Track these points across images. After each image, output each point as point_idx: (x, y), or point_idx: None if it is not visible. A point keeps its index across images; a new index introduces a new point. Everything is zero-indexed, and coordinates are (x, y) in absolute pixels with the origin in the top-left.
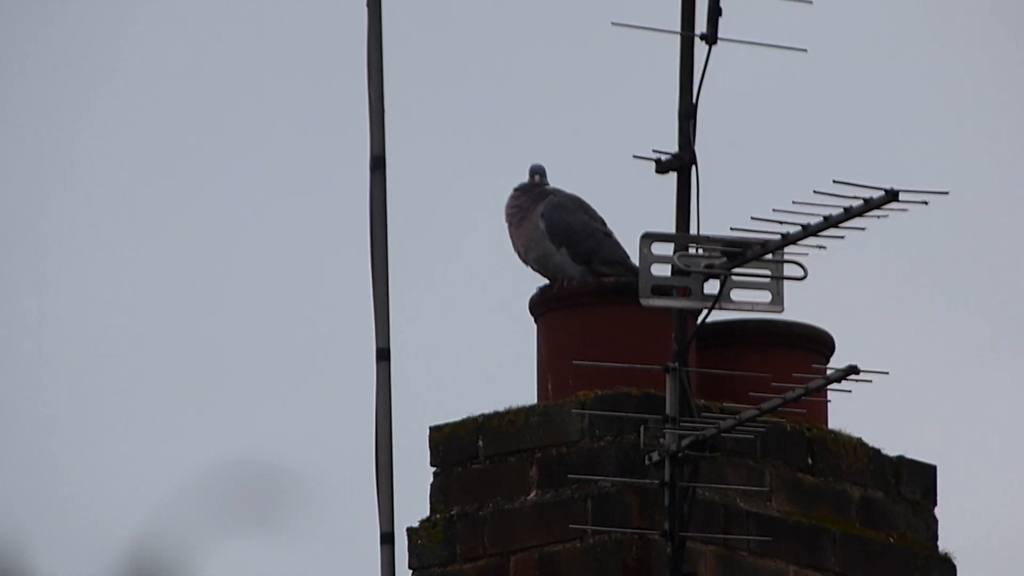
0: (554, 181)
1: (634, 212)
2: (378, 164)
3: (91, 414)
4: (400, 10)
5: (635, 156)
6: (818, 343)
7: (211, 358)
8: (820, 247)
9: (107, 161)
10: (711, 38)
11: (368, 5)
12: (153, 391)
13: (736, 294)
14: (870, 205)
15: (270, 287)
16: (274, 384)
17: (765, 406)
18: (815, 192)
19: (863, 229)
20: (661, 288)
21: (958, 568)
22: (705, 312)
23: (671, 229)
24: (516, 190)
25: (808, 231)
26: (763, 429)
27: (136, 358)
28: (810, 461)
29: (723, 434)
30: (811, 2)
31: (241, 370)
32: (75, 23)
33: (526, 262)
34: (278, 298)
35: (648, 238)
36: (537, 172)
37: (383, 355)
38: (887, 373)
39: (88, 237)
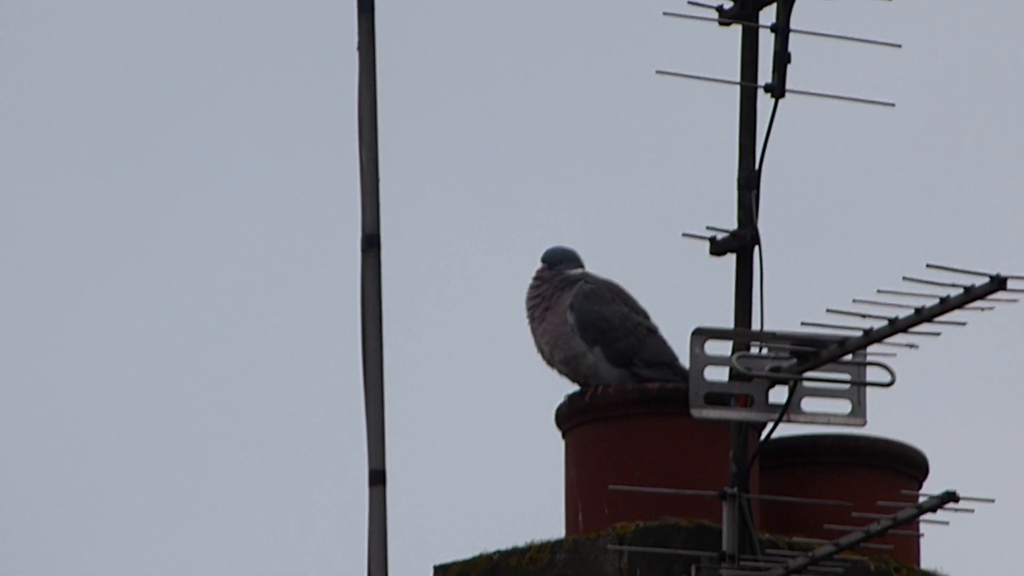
0: (585, 265)
1: (684, 302)
2: (371, 243)
3: (60, 531)
4: (399, 49)
5: (685, 234)
6: (908, 463)
7: (186, 474)
8: (911, 346)
9: (83, 235)
10: (778, 90)
11: (359, 48)
12: (125, 510)
13: (808, 403)
14: (972, 295)
15: (236, 397)
16: (246, 509)
17: (844, 541)
18: (905, 279)
19: (964, 324)
20: (717, 396)
21: None
22: (771, 426)
23: (729, 324)
24: (536, 278)
25: (896, 327)
26: (842, 570)
27: (102, 466)
28: None
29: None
30: (900, 46)
31: (205, 490)
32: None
33: (551, 364)
34: (246, 410)
35: (701, 335)
36: (547, 260)
37: (377, 478)
38: (993, 501)
39: (50, 336)
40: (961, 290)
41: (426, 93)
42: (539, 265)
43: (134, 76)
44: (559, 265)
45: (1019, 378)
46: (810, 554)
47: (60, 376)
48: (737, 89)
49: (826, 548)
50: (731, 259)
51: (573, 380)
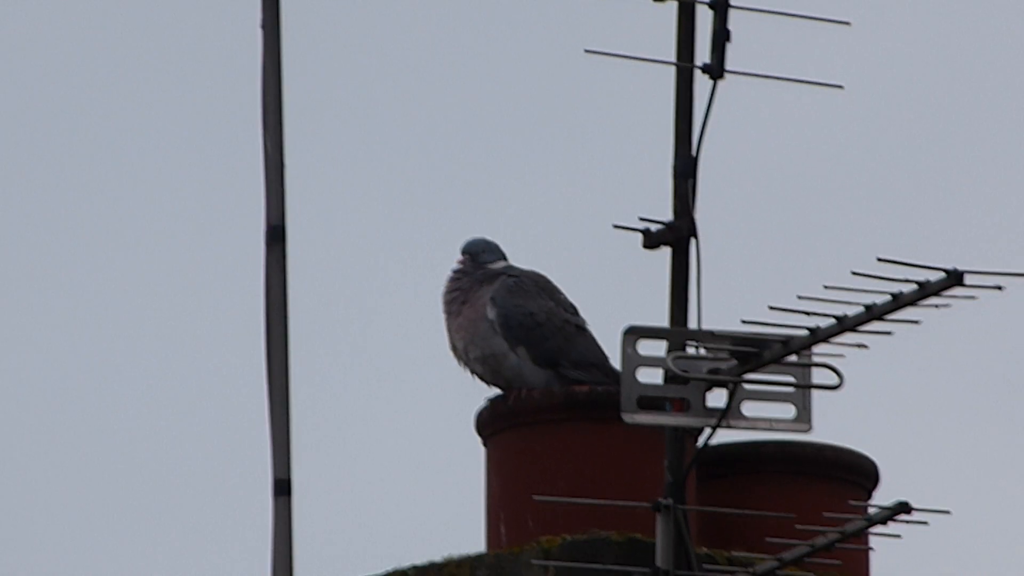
0: (510, 257)
1: (615, 299)
2: (276, 235)
3: None
4: (307, 28)
5: (616, 226)
6: (857, 472)
7: (83, 486)
8: (861, 346)
9: None
10: (717, 71)
11: (263, 27)
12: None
13: (749, 408)
14: (926, 291)
15: (131, 401)
16: (142, 520)
17: (788, 556)
18: (853, 274)
19: (918, 322)
20: (650, 400)
21: None
22: (709, 432)
23: (663, 322)
24: (454, 271)
25: (844, 325)
26: None
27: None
28: None
29: None
30: (849, 23)
31: (116, 497)
32: None
33: (465, 362)
34: (141, 415)
35: (633, 333)
36: (469, 251)
37: (282, 488)
38: (948, 512)
39: None
40: (915, 286)
41: (336, 75)
42: (458, 257)
43: (23, 60)
44: (481, 255)
45: (976, 381)
46: (751, 570)
47: None
48: (672, 70)
49: (768, 563)
50: (666, 252)
51: (491, 382)
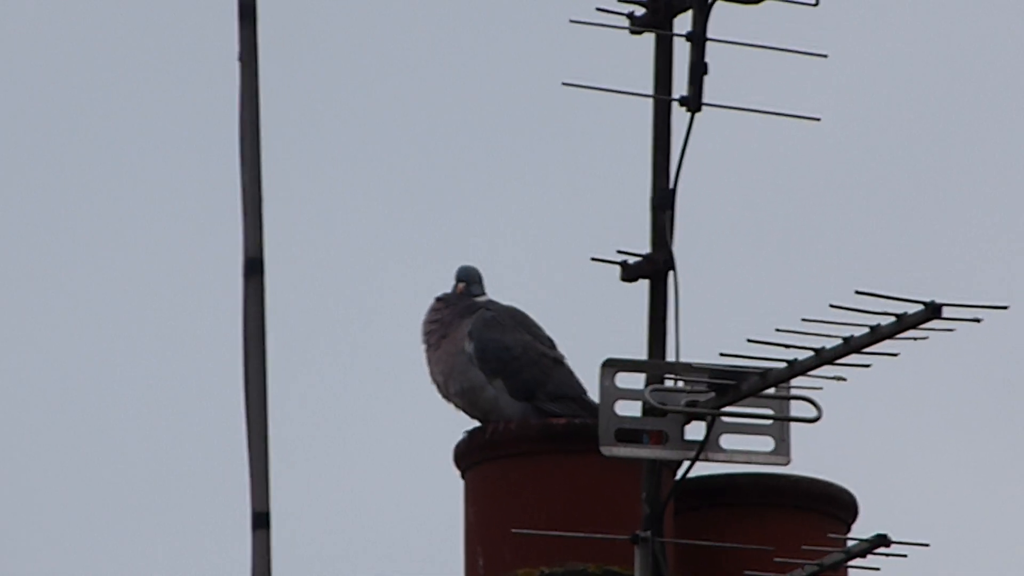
0: (489, 291)
1: (593, 331)
2: (254, 267)
3: None
4: (284, 61)
5: (594, 258)
6: (836, 505)
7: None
8: (839, 379)
9: None
10: (694, 103)
11: (240, 59)
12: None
13: (727, 440)
14: (904, 323)
15: (108, 433)
16: (118, 554)
17: None
18: (832, 307)
19: (896, 355)
20: (628, 432)
21: None
22: (687, 464)
23: (641, 354)
24: (438, 300)
25: (823, 358)
26: None
27: None
28: None
29: None
30: (826, 56)
31: (93, 530)
32: None
33: (446, 396)
34: (119, 447)
35: (611, 366)
36: (465, 279)
37: (261, 521)
38: (927, 545)
39: None
40: (893, 318)
41: (313, 108)
42: (441, 287)
43: (3, 90)
44: (473, 286)
45: (955, 413)
46: None
47: None
48: (650, 102)
49: None
50: (644, 285)
51: (471, 414)
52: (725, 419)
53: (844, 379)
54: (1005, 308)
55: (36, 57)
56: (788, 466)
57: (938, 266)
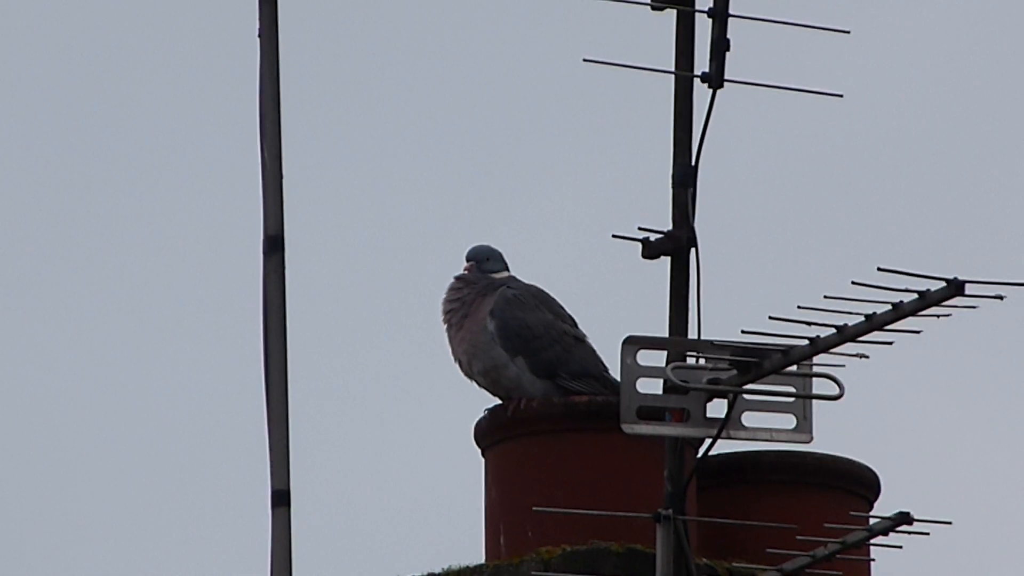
0: (511, 267)
1: (615, 309)
2: (274, 245)
3: None
4: (304, 38)
5: (615, 236)
6: (858, 482)
7: (79, 497)
8: (861, 356)
9: None
10: (716, 80)
11: (260, 36)
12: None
13: (749, 418)
14: (927, 300)
15: (129, 412)
16: (138, 531)
17: (788, 566)
18: (854, 284)
19: (918, 332)
20: (650, 410)
21: None
22: (709, 442)
23: (663, 332)
24: (457, 279)
25: (845, 335)
26: None
27: None
28: None
29: None
30: (849, 32)
31: (113, 508)
32: None
33: (470, 375)
34: (139, 426)
35: (633, 344)
36: (473, 258)
37: (281, 499)
38: (949, 523)
39: None
40: (915, 295)
41: (333, 85)
42: (461, 265)
43: (22, 66)
44: (486, 263)
45: (977, 390)
46: None
47: None
48: (671, 79)
49: (769, 574)
50: (665, 262)
51: (494, 393)
52: (747, 396)
53: (867, 356)
54: None
55: (58, 33)
56: (810, 444)
57: (961, 243)
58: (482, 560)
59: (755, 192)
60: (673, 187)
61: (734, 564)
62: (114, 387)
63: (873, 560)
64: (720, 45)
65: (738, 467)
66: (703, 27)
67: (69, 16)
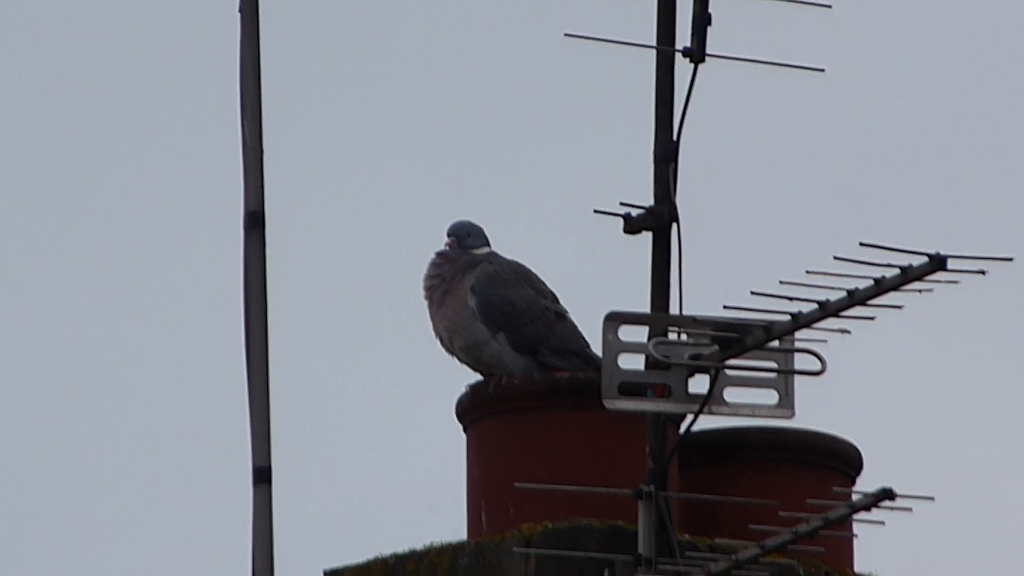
0: (492, 243)
1: (596, 285)
2: (255, 221)
3: None
4: (285, 11)
5: (596, 211)
6: (840, 459)
7: (64, 484)
8: (843, 331)
9: None
10: (697, 54)
11: (240, 11)
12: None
13: (731, 394)
14: (909, 276)
15: (108, 389)
16: (119, 509)
17: (771, 543)
18: (836, 259)
19: (900, 307)
20: (632, 386)
21: None
22: (691, 418)
23: (645, 308)
24: (438, 255)
25: (827, 310)
26: (768, 573)
27: None
28: None
29: None
30: (830, 6)
31: (94, 485)
32: None
33: (451, 351)
34: (119, 402)
35: (614, 319)
36: (455, 234)
37: (262, 475)
38: (932, 499)
39: None
40: (897, 271)
41: (314, 61)
42: (442, 240)
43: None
44: (467, 239)
45: (960, 366)
46: (734, 557)
47: None
48: (653, 54)
49: (751, 550)
50: (647, 238)
51: (475, 369)
52: (729, 372)
53: (848, 332)
54: (1010, 260)
55: (35, 8)
56: (792, 420)
57: (942, 218)
58: (464, 537)
59: (737, 168)
60: (655, 162)
61: (716, 540)
62: (93, 365)
63: (855, 536)
64: (702, 20)
65: (720, 443)
66: (685, 2)
67: None
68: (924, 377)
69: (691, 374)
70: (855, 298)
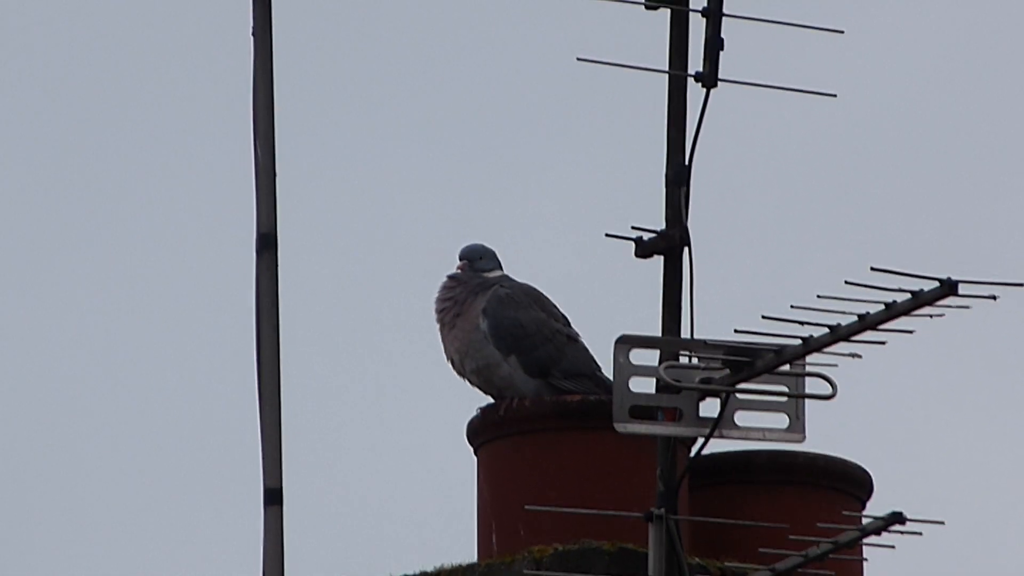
0: (505, 266)
1: (607, 308)
2: (267, 243)
3: None
4: (298, 35)
5: (608, 235)
6: (851, 482)
7: (72, 497)
8: (854, 356)
9: None
10: (710, 79)
11: (253, 34)
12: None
13: (742, 417)
14: (920, 300)
15: (121, 410)
16: (129, 529)
17: (781, 566)
18: (847, 284)
19: (911, 332)
20: (643, 409)
21: None
22: (701, 441)
23: (656, 331)
24: (450, 278)
25: (838, 335)
26: None
27: None
28: None
29: None
30: (842, 32)
31: (106, 506)
32: None
33: (462, 373)
34: (131, 423)
35: (625, 343)
36: (467, 257)
37: (273, 497)
38: (942, 523)
39: None
40: (908, 295)
41: (327, 83)
42: (454, 264)
43: (19, 64)
44: (478, 262)
45: (970, 390)
46: None
47: None
48: (665, 78)
49: (761, 574)
50: (658, 261)
51: (486, 391)
52: (740, 396)
53: (859, 356)
54: (1021, 285)
55: (53, 30)
56: (803, 443)
57: (954, 243)
58: (474, 559)
59: (748, 191)
60: (666, 186)
61: (726, 563)
62: (107, 385)
63: (866, 560)
64: (714, 44)
65: (730, 466)
66: (697, 26)
67: (64, 13)
68: (934, 401)
69: (702, 397)
70: (866, 322)
